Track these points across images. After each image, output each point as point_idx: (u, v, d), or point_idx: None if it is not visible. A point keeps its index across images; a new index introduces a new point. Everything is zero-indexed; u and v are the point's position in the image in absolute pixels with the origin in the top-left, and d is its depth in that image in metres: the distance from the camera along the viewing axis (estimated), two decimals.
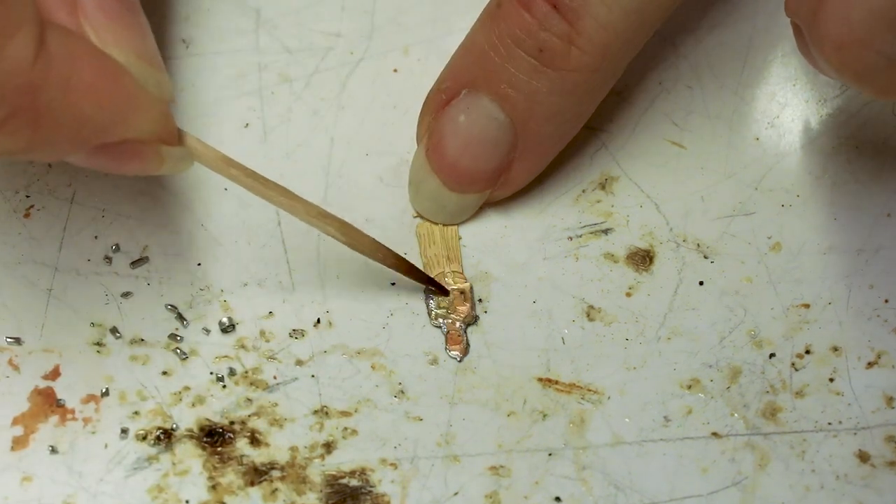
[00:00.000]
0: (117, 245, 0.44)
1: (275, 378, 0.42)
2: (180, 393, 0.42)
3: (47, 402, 0.41)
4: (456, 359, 0.43)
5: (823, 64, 0.36)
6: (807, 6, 0.36)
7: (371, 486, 0.40)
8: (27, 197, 0.45)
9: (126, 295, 0.43)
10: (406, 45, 0.49)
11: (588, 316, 0.44)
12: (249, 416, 0.41)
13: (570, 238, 0.45)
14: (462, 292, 0.44)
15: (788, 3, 0.38)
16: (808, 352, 0.43)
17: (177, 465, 0.41)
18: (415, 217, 0.46)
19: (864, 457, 0.41)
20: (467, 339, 0.43)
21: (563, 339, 0.43)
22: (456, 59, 0.44)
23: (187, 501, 0.40)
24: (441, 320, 0.43)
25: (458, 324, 0.43)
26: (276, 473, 0.40)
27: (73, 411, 0.41)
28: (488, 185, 0.44)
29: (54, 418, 0.41)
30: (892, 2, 0.33)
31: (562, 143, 0.45)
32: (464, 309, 0.44)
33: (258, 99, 0.48)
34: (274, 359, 0.43)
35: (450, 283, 0.44)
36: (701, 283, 0.44)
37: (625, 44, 0.42)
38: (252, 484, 0.40)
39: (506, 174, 0.44)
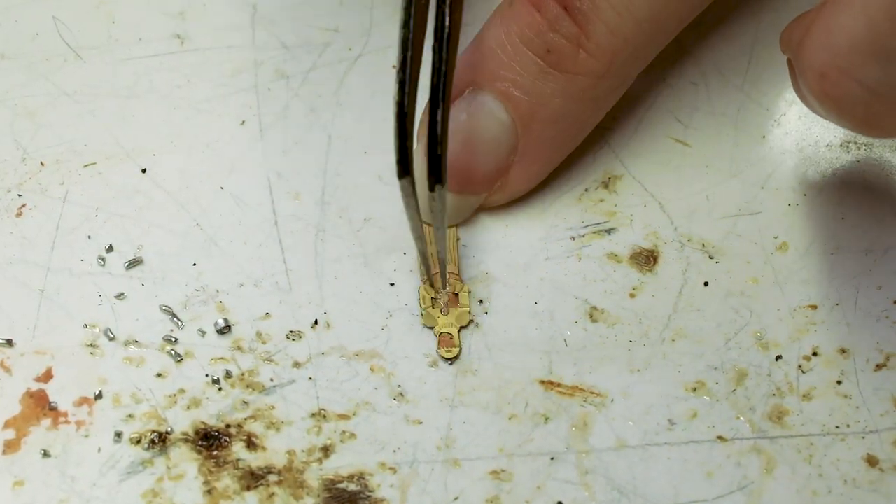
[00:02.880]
0: (111, 245, 0.44)
1: (272, 380, 0.42)
2: (175, 395, 0.41)
3: (39, 405, 0.41)
4: (448, 362, 0.42)
5: (808, 94, 0.37)
6: (796, 37, 0.37)
7: (370, 491, 0.40)
8: (19, 196, 0.45)
9: (120, 296, 0.43)
10: None
11: (591, 317, 0.43)
12: (246, 419, 0.41)
13: (573, 238, 0.45)
14: (456, 294, 0.43)
15: (783, 38, 0.39)
16: (815, 354, 0.42)
17: (171, 469, 0.40)
18: None
19: (872, 461, 0.40)
20: (460, 342, 0.43)
21: (565, 340, 0.43)
22: (462, 57, 0.43)
23: None
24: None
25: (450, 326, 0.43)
26: (272, 478, 0.40)
27: (65, 414, 0.41)
28: (485, 187, 0.44)
29: (46, 421, 0.41)
30: (871, 33, 0.34)
31: (563, 150, 0.45)
32: (456, 311, 0.43)
33: (254, 95, 0.47)
34: (271, 361, 0.42)
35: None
36: (706, 284, 0.44)
37: (634, 52, 0.42)
38: (248, 488, 0.40)
39: (504, 178, 0.44)
